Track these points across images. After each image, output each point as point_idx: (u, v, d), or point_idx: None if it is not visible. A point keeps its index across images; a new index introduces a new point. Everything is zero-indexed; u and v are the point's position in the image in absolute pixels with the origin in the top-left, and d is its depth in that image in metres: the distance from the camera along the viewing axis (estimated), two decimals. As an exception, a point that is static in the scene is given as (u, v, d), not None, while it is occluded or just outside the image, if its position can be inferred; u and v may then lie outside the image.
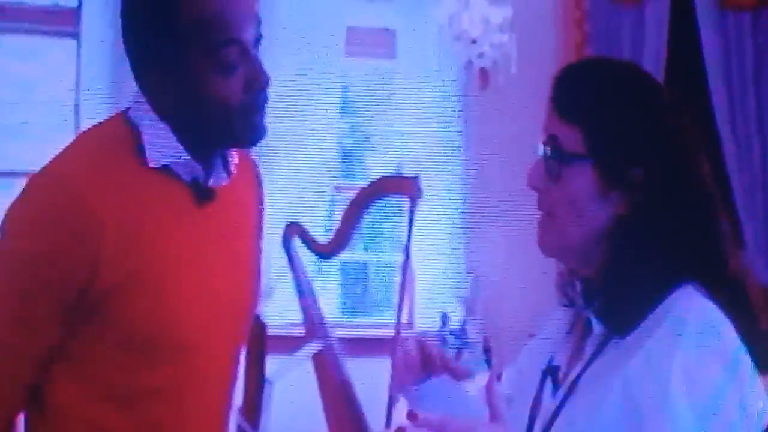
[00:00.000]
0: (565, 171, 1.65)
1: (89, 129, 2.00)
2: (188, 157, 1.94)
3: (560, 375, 1.72)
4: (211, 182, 1.99)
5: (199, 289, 1.97)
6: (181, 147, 1.94)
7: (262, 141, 1.97)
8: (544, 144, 1.68)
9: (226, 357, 2.09)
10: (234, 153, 2.05)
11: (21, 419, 2.01)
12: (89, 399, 1.94)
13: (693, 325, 1.57)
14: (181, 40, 1.89)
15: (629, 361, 1.59)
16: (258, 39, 1.94)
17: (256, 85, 1.93)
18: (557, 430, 1.65)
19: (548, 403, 1.70)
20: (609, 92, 1.67)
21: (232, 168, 2.03)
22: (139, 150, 1.93)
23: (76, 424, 1.95)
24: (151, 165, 1.93)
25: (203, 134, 1.95)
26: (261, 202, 2.18)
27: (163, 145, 1.93)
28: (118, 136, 1.96)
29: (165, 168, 1.94)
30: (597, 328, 1.68)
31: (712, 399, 1.53)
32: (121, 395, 1.94)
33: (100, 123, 2.01)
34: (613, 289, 1.65)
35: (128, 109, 1.99)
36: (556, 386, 1.71)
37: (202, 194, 1.98)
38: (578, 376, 1.67)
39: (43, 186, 1.91)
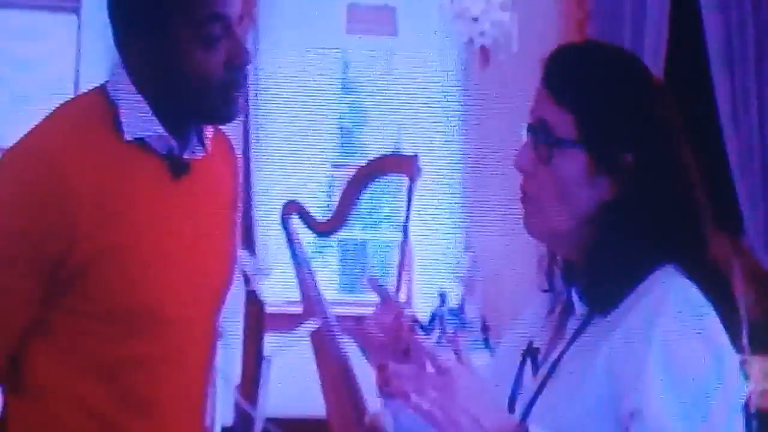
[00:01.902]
0: (556, 155, 1.66)
1: (66, 102, 2.02)
2: (163, 132, 1.96)
3: (540, 356, 1.74)
4: (186, 155, 2.01)
5: (176, 260, 1.99)
6: (157, 121, 1.96)
7: (236, 119, 2.01)
8: (534, 127, 1.69)
9: (204, 328, 2.11)
10: (209, 127, 2.07)
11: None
12: (69, 373, 1.96)
13: (672, 301, 1.60)
14: (167, 12, 1.92)
15: (610, 339, 1.61)
16: (242, 16, 1.97)
17: (237, 62, 1.95)
18: (538, 410, 1.67)
19: (529, 385, 1.72)
20: (603, 78, 1.68)
21: (207, 142, 2.05)
22: (116, 123, 1.95)
23: (57, 399, 1.96)
24: (127, 138, 1.95)
25: (181, 108, 1.98)
26: (236, 176, 2.21)
27: (139, 119, 1.95)
28: (94, 110, 1.98)
29: (141, 141, 1.96)
30: (579, 308, 1.70)
31: (691, 373, 1.55)
32: (101, 367, 1.96)
33: (76, 96, 2.04)
34: (596, 269, 1.67)
35: (106, 82, 2.01)
36: (536, 367, 1.73)
37: (178, 167, 2.00)
38: (559, 357, 1.69)
39: (20, 158, 1.93)
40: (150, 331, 1.97)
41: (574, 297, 1.70)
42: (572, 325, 1.70)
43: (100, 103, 1.97)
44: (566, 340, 1.69)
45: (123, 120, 1.95)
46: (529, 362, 1.74)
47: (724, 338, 1.60)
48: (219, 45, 1.93)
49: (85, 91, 2.04)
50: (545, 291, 1.80)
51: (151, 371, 1.99)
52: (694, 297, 1.61)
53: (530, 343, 1.76)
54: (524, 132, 1.71)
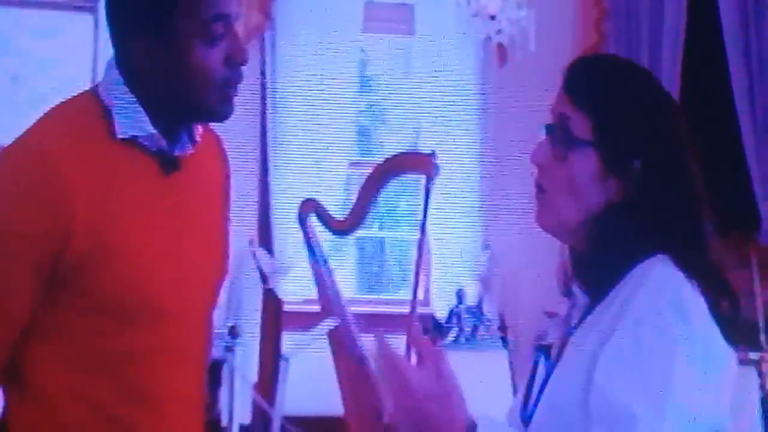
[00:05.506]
0: (571, 153, 1.75)
1: (59, 104, 2.06)
2: (154, 131, 2.00)
3: (553, 351, 1.82)
4: (176, 152, 2.05)
5: (168, 255, 2.03)
6: (149, 121, 2.00)
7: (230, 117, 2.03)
8: (553, 125, 1.78)
9: (197, 321, 2.14)
10: (199, 126, 2.11)
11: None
12: (68, 369, 1.98)
13: (651, 281, 1.67)
14: (174, 11, 1.95)
15: (599, 324, 1.69)
16: (239, 15, 2.02)
17: (237, 60, 2.00)
18: (545, 398, 1.76)
19: (541, 378, 1.81)
20: (622, 88, 1.78)
21: (197, 138, 2.09)
22: (108, 123, 1.99)
23: (57, 395, 1.99)
24: (119, 136, 1.99)
25: (177, 106, 2.02)
26: (227, 174, 2.26)
27: (131, 118, 1.99)
28: (87, 110, 2.01)
29: (132, 140, 2.00)
30: (581, 299, 1.80)
31: (661, 344, 1.61)
32: (99, 361, 1.99)
33: (69, 98, 2.07)
34: (593, 256, 1.76)
35: (98, 84, 2.05)
36: (549, 362, 1.82)
37: (168, 164, 2.04)
38: (563, 348, 1.78)
39: (15, 157, 1.96)
40: (146, 324, 2.00)
41: (576, 289, 1.81)
42: (575, 316, 1.80)
43: (92, 104, 2.01)
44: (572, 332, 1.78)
45: (115, 119, 1.99)
46: (542, 358, 1.83)
47: (702, 311, 1.65)
48: (221, 43, 1.97)
49: (78, 93, 2.07)
50: (565, 296, 1.88)
51: (148, 363, 2.02)
52: (673, 278, 1.67)
53: (544, 340, 1.86)
54: (542, 131, 1.80)
